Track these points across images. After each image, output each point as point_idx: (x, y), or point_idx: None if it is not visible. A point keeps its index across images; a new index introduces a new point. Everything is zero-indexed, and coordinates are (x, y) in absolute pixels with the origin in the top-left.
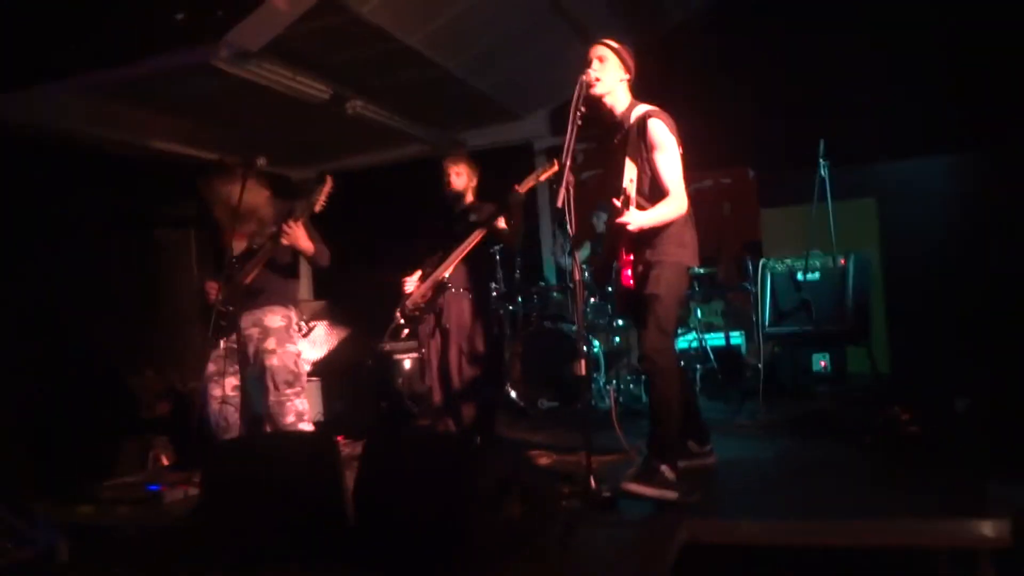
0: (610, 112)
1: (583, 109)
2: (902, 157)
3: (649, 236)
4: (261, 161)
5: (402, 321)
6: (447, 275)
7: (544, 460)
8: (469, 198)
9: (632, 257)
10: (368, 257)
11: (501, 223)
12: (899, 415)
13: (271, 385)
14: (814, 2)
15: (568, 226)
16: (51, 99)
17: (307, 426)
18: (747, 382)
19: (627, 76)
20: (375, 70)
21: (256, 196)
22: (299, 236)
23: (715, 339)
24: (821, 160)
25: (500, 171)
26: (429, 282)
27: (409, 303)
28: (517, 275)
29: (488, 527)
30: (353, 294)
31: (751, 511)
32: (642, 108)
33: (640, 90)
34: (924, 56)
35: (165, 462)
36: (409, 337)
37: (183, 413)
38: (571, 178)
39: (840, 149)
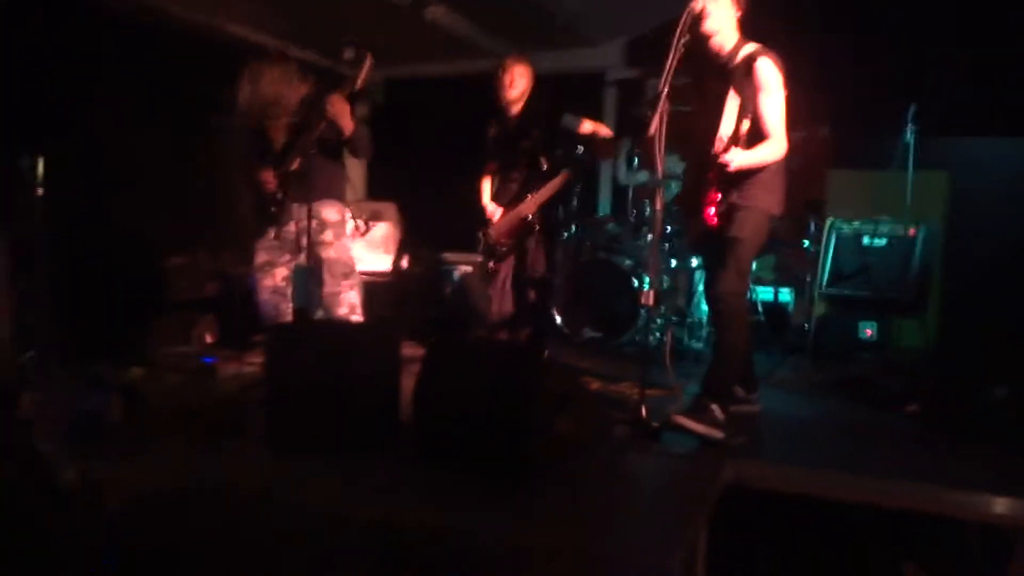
0: (717, 50)
1: (687, 39)
2: (982, 133)
3: (739, 179)
4: (348, 53)
5: (487, 245)
6: (531, 212)
7: (593, 385)
8: (521, 104)
9: (719, 196)
10: (432, 167)
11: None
12: (954, 389)
13: (327, 276)
14: None
15: (658, 156)
16: None
17: (358, 319)
18: (791, 339)
19: (738, 12)
20: None
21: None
22: (342, 111)
23: (764, 293)
24: (909, 125)
25: (568, 99)
26: (512, 217)
27: (494, 234)
28: (574, 203)
29: (544, 439)
30: (412, 201)
31: (794, 461)
32: (751, 47)
33: None
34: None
35: (210, 340)
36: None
37: (231, 295)
38: (667, 107)
39: (921, 117)
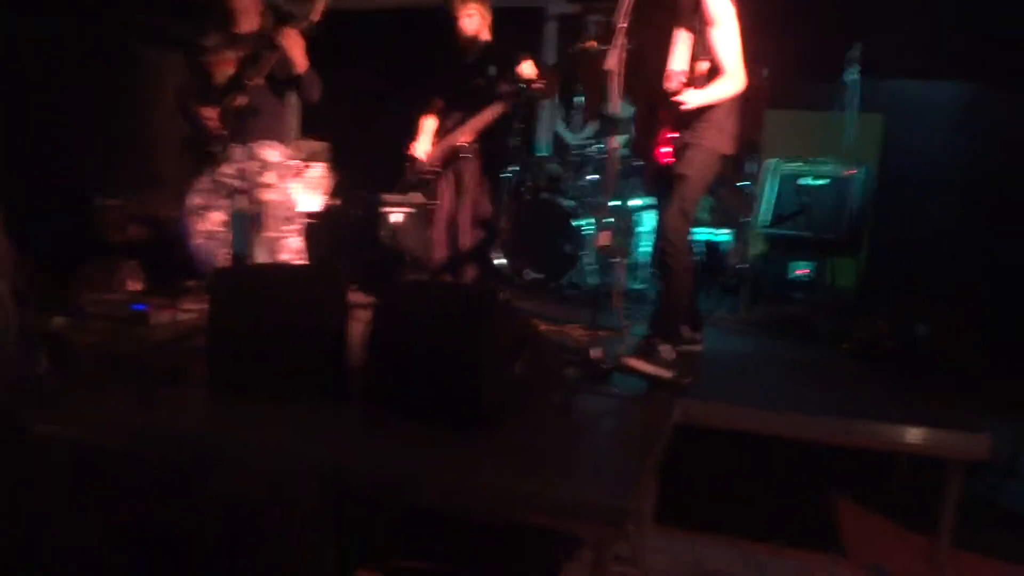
0: None
1: None
2: (917, 76)
3: (690, 117)
4: None
5: (413, 180)
6: (465, 142)
7: (541, 327)
8: (485, 37)
9: (673, 135)
10: (369, 104)
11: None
12: (880, 328)
13: (268, 220)
14: None
15: (615, 92)
16: None
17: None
18: (728, 279)
19: None
20: None
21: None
22: (297, 47)
23: (700, 234)
24: (851, 66)
25: (506, 35)
26: (444, 145)
27: (421, 163)
28: (514, 141)
29: (500, 382)
30: (350, 141)
31: (737, 399)
32: None
33: None
34: None
35: (132, 287)
36: (423, 192)
37: (158, 240)
38: (624, 41)
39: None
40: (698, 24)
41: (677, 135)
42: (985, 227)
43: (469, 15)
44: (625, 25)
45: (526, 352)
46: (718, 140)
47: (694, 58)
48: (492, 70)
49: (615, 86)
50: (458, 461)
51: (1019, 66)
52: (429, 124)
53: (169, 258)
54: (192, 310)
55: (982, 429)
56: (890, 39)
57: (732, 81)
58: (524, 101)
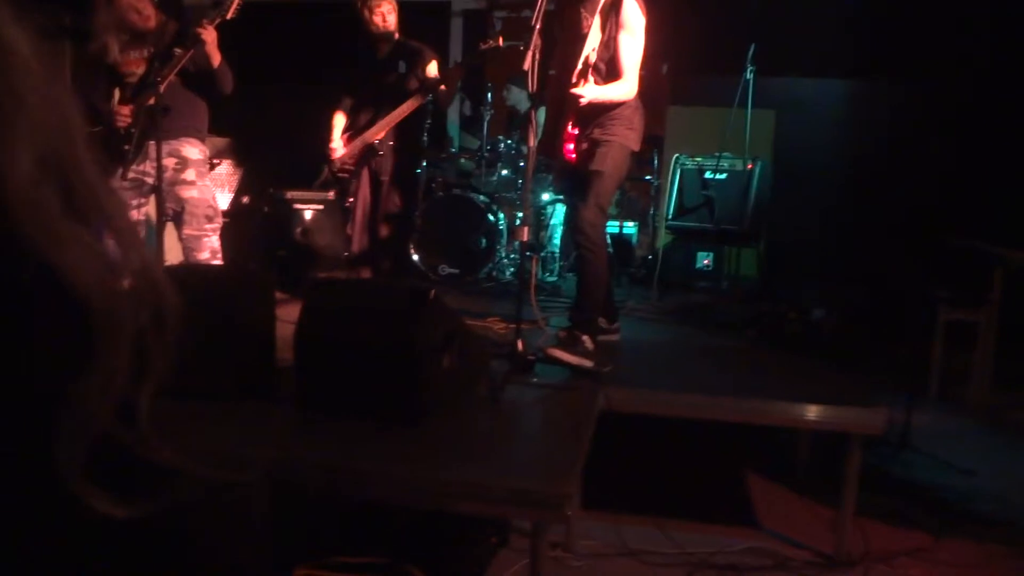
0: None
1: None
2: (806, 74)
3: (599, 115)
4: None
5: (330, 177)
6: (378, 138)
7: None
8: (393, 36)
9: (578, 132)
10: (271, 99)
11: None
12: (786, 313)
13: (188, 218)
14: None
15: (530, 87)
16: None
17: (219, 263)
18: (636, 270)
19: None
20: None
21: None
22: (211, 40)
23: (610, 227)
24: (749, 66)
25: (412, 31)
26: (359, 142)
27: (338, 161)
28: (425, 138)
29: (433, 377)
30: (253, 136)
31: (653, 385)
32: None
33: None
34: None
35: None
36: (336, 188)
37: None
38: (539, 42)
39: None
40: (612, 26)
41: (580, 132)
42: (868, 212)
43: (387, 12)
44: (540, 25)
45: (454, 346)
46: (628, 137)
47: (598, 54)
48: (402, 66)
49: (533, 84)
50: (395, 455)
51: (893, 63)
52: (339, 120)
53: None
54: None
55: (878, 404)
56: (781, 39)
57: (627, 85)
58: (433, 99)
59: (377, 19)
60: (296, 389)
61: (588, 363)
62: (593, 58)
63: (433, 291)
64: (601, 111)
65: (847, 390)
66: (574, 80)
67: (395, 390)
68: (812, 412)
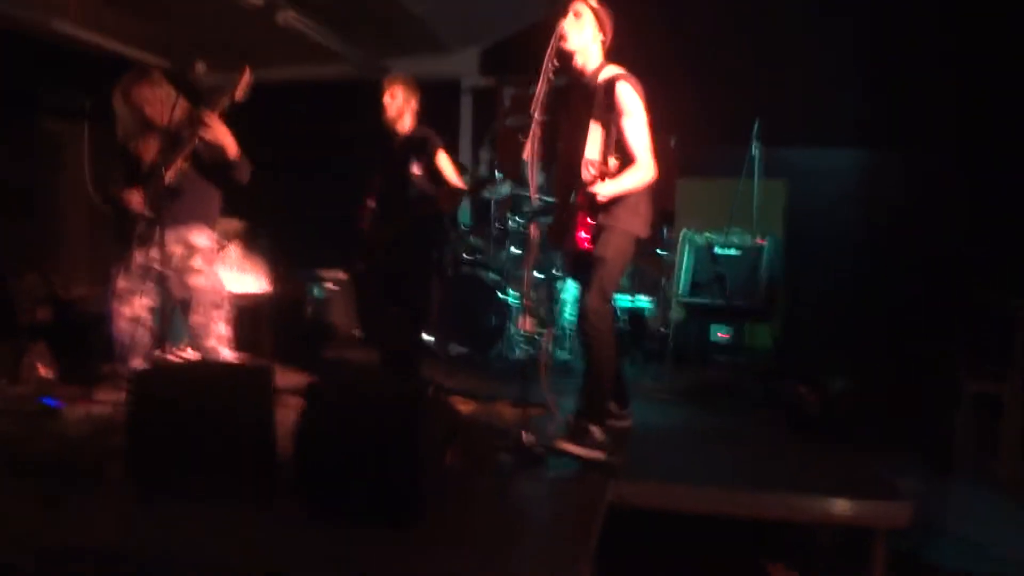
0: (580, 69)
1: (556, 63)
2: (817, 144)
3: (606, 201)
4: (200, 67)
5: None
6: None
7: (464, 407)
8: (407, 123)
9: (589, 221)
10: (283, 179)
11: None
12: (801, 392)
13: (196, 306)
14: None
15: (530, 179)
16: None
17: (227, 350)
18: (650, 345)
19: (602, 37)
20: None
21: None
22: (220, 129)
23: (621, 301)
24: (755, 140)
25: (422, 108)
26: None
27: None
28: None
29: (431, 476)
30: (266, 216)
31: (669, 477)
32: (611, 70)
33: None
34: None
35: (43, 372)
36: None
37: (65, 321)
38: (538, 131)
39: (764, 129)
40: (610, 115)
41: (593, 220)
42: (885, 278)
43: (392, 96)
44: (540, 117)
45: (456, 441)
46: (633, 223)
47: (606, 148)
48: (411, 155)
49: (533, 176)
50: (399, 557)
51: (903, 131)
52: (371, 206)
53: (81, 341)
54: (107, 401)
55: (904, 496)
56: (790, 108)
57: (642, 170)
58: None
59: (385, 103)
60: (296, 485)
61: (598, 455)
62: (597, 153)
63: (432, 388)
64: (615, 197)
65: (870, 479)
66: (589, 176)
67: (397, 489)
68: (833, 507)
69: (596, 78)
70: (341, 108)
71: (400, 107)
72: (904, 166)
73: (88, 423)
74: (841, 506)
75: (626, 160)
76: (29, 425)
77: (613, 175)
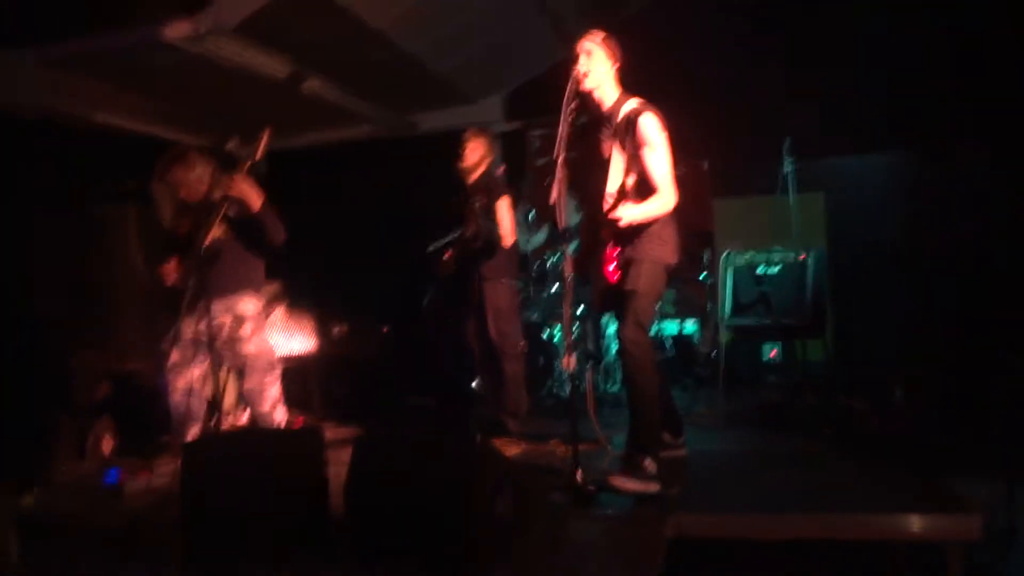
0: (598, 105)
1: (575, 104)
2: (851, 152)
3: (630, 233)
4: (233, 143)
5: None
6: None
7: (513, 449)
8: (477, 175)
9: (616, 252)
10: (323, 238)
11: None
12: (858, 408)
13: (249, 372)
14: None
15: (558, 221)
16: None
17: (282, 412)
18: (700, 369)
19: (615, 65)
20: (335, 50)
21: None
22: (246, 188)
23: (670, 327)
24: (787, 157)
25: (454, 156)
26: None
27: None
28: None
29: (483, 526)
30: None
31: (727, 505)
32: (632, 103)
33: None
34: (874, 53)
35: (107, 447)
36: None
37: (124, 396)
38: (563, 175)
39: (796, 143)
40: (632, 146)
41: (619, 251)
42: (934, 282)
43: (473, 149)
44: (564, 156)
45: (506, 489)
46: (661, 251)
47: (626, 173)
48: (477, 203)
49: (561, 213)
50: None
51: (936, 132)
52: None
53: (140, 413)
54: (166, 473)
55: (975, 508)
56: (820, 119)
57: (665, 199)
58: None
59: (460, 156)
60: (349, 543)
61: (653, 488)
62: (630, 181)
63: (479, 436)
64: (634, 229)
65: (936, 492)
66: (609, 205)
67: (448, 541)
68: (901, 523)
69: (617, 112)
70: (366, 164)
71: (478, 161)
72: (942, 163)
73: (147, 496)
74: (906, 522)
75: (648, 191)
76: (94, 501)
77: (630, 197)
